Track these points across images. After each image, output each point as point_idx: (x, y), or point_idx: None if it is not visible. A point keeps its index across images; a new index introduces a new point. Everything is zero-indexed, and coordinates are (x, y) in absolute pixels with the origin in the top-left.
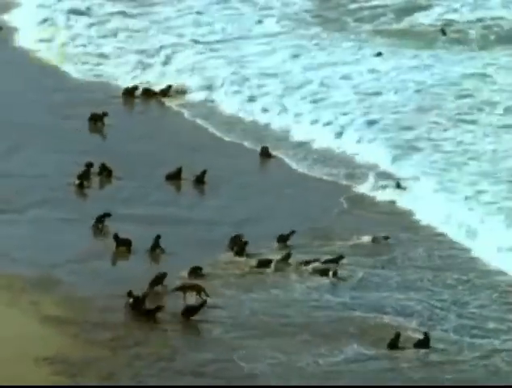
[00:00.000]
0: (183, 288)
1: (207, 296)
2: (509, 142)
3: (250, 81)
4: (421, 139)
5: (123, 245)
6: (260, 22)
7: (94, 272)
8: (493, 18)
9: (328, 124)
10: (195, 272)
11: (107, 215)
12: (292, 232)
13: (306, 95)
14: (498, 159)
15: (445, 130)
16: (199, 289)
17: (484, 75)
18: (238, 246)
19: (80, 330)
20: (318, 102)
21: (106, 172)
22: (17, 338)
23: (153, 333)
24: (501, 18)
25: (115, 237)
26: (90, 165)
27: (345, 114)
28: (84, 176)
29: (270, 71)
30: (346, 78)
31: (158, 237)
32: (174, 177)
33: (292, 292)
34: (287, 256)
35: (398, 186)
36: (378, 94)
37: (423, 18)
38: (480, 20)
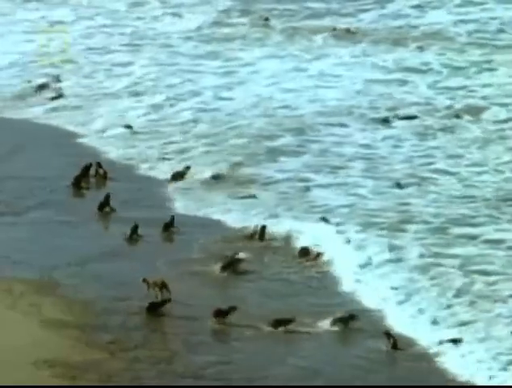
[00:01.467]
0: (148, 283)
1: (169, 293)
2: None
3: None
4: None
5: None
6: None
7: (94, 274)
8: None
9: None
10: None
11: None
12: None
13: None
14: None
15: None
16: (162, 286)
17: None
18: None
19: (80, 333)
20: None
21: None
22: (17, 341)
23: (152, 336)
24: None
25: None
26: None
27: None
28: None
29: None
30: None
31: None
32: None
33: None
34: None
35: None
36: None
37: None
38: None
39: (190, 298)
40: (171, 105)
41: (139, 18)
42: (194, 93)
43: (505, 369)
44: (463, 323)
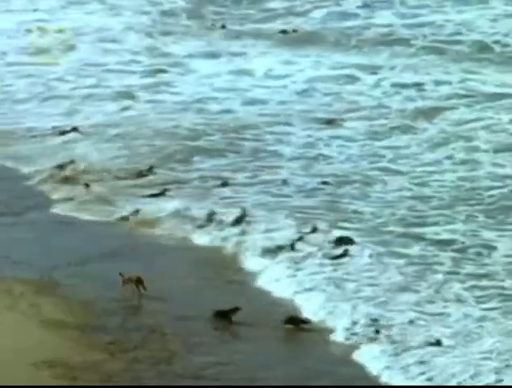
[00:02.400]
0: (123, 279)
1: (145, 289)
2: None
3: None
4: None
5: None
6: None
7: (94, 275)
8: None
9: None
10: None
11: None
12: None
13: None
14: None
15: None
16: (137, 281)
17: None
18: None
19: (80, 333)
20: None
21: None
22: (16, 341)
23: (152, 336)
24: None
25: None
26: None
27: None
28: None
29: None
30: None
31: None
32: None
33: None
34: None
35: None
36: None
37: None
38: None
39: (190, 298)
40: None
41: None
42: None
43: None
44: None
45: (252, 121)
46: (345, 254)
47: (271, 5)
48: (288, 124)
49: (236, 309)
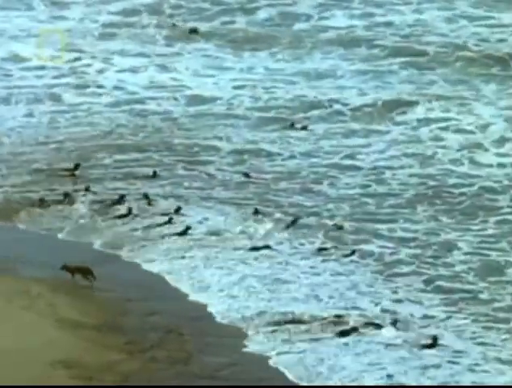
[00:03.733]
0: (70, 270)
1: (94, 279)
2: None
3: None
4: None
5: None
6: None
7: (111, 275)
8: None
9: None
10: None
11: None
12: None
13: None
14: None
15: None
16: (86, 272)
17: None
18: None
19: (96, 333)
20: None
21: None
22: (33, 341)
23: (168, 336)
24: None
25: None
26: None
27: None
28: None
29: None
30: None
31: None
32: None
33: None
34: None
35: None
36: None
37: None
38: None
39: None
40: None
41: None
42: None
43: None
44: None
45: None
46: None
47: None
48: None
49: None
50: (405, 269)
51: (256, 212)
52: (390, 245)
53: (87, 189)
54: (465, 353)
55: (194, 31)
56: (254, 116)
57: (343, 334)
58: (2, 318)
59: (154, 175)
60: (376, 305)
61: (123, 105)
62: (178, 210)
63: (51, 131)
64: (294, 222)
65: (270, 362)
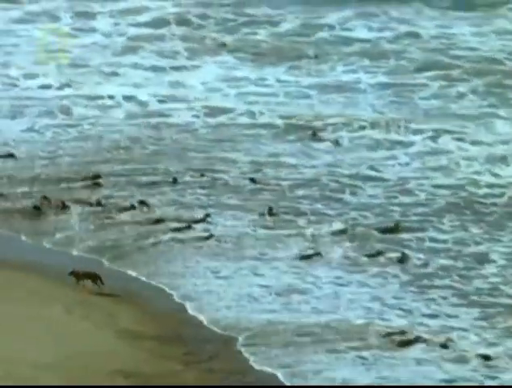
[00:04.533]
0: (78, 275)
1: (103, 284)
2: None
3: None
4: None
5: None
6: None
7: (169, 286)
8: None
9: None
10: None
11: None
12: None
13: None
14: None
15: None
16: (95, 278)
17: None
18: None
19: (155, 344)
20: None
21: None
22: (92, 351)
23: (225, 348)
24: None
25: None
26: None
27: None
28: None
29: None
30: None
31: None
32: None
33: None
34: None
35: None
36: None
37: None
38: None
39: None
40: None
41: None
42: None
43: None
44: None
45: None
46: None
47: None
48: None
49: None
50: (438, 282)
51: (270, 211)
52: (420, 256)
53: (142, 202)
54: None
55: (223, 44)
56: (275, 128)
57: (404, 344)
58: (62, 328)
59: (175, 181)
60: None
61: (139, 118)
62: (204, 219)
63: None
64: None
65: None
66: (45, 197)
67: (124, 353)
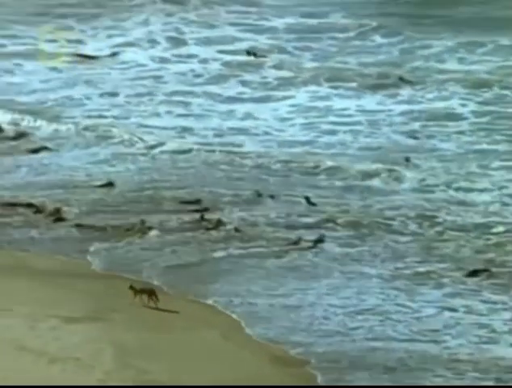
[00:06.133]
0: (136, 290)
1: (158, 300)
2: None
3: None
4: None
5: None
6: None
7: None
8: None
9: None
10: None
11: None
12: None
13: None
14: None
15: None
16: (151, 293)
17: None
18: None
19: (318, 372)
20: None
21: None
22: (246, 377)
23: None
24: None
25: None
26: None
27: None
28: None
29: None
30: None
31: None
32: None
33: None
34: None
35: None
36: None
37: None
38: None
39: None
40: None
41: None
42: None
43: None
44: None
45: None
46: None
47: None
48: None
49: None
50: None
51: (308, 200)
52: None
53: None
54: None
55: (253, 53)
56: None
57: None
58: (219, 355)
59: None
60: None
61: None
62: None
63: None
64: None
65: None
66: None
67: (275, 379)
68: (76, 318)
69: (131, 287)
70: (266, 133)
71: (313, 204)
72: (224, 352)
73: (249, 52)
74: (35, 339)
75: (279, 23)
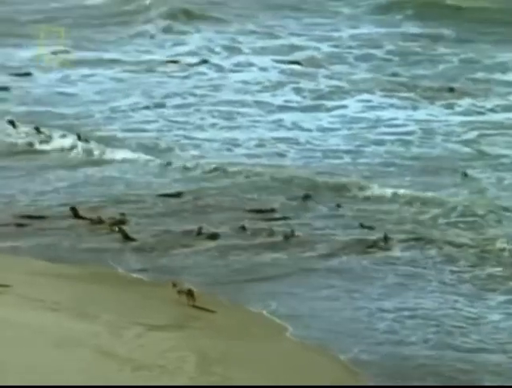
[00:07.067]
0: (177, 289)
1: (194, 301)
2: None
3: None
4: None
5: None
6: None
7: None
8: None
9: None
10: None
11: None
12: None
13: None
14: None
15: None
16: (188, 293)
17: None
18: None
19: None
20: None
21: None
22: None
23: None
24: None
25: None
26: None
27: None
28: None
29: None
30: None
31: None
32: None
33: None
34: None
35: None
36: None
37: None
38: None
39: None
40: None
41: None
42: None
43: None
44: None
45: None
46: None
47: None
48: None
49: None
50: None
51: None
52: None
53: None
54: None
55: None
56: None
57: None
58: (296, 363)
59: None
60: None
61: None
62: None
63: None
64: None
65: None
66: None
67: None
68: (160, 325)
69: (174, 285)
70: None
71: None
72: (299, 359)
73: (293, 62)
74: (121, 346)
75: (347, 33)
